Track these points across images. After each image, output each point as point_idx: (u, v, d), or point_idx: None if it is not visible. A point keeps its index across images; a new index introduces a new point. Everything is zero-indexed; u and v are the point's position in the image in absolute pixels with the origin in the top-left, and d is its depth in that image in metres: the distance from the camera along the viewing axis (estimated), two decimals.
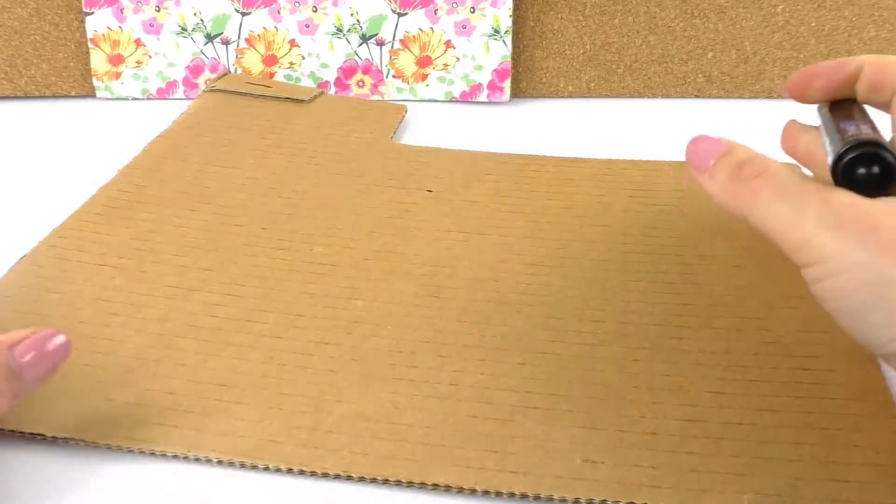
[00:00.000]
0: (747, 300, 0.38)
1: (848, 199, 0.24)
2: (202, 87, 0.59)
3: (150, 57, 0.58)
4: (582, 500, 0.29)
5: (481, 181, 0.47)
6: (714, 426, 0.32)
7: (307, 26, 0.58)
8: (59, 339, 0.30)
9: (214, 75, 0.59)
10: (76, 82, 0.60)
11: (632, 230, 0.43)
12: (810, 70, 0.30)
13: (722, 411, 0.32)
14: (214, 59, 0.59)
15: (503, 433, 0.32)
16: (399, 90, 0.59)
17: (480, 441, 0.31)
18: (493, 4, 0.57)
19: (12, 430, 0.32)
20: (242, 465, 0.31)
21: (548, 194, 0.46)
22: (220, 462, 0.31)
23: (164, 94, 0.59)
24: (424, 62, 0.59)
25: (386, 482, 0.30)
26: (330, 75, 0.59)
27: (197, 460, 0.32)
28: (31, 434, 0.32)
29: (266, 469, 0.31)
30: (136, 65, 0.59)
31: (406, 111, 0.56)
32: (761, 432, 0.31)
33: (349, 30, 0.58)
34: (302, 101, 0.56)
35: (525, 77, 0.60)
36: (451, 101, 0.59)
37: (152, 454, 0.32)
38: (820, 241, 0.23)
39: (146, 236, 0.43)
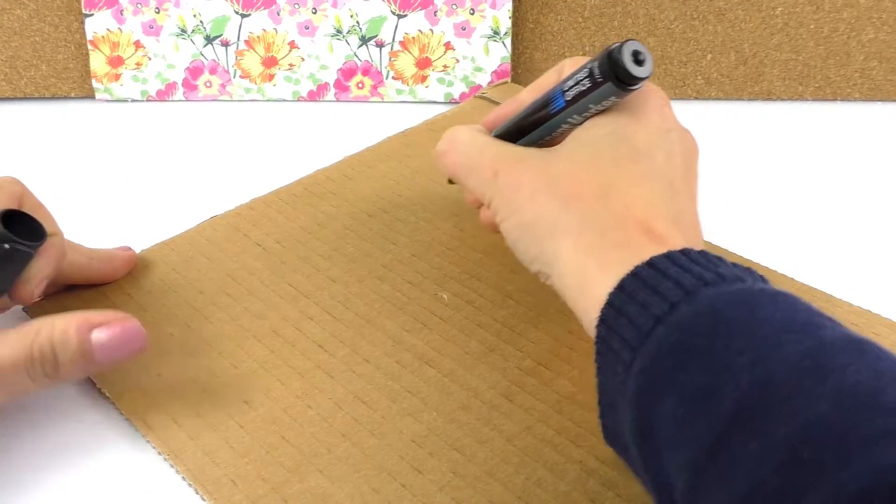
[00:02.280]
0: None
1: (508, 165, 0.33)
2: (201, 89, 0.59)
3: (150, 59, 0.58)
4: None
5: None
6: None
7: (307, 28, 0.58)
8: (139, 331, 0.33)
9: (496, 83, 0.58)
10: (76, 84, 0.60)
11: None
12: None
13: None
14: (214, 60, 0.59)
15: None
16: (399, 92, 0.59)
17: None
18: (493, 6, 0.57)
19: None
20: (196, 492, 0.31)
21: None
22: (183, 477, 0.31)
23: (163, 95, 0.59)
24: (424, 64, 0.59)
25: None
26: (329, 77, 0.59)
27: (170, 464, 0.32)
28: None
29: None
30: (136, 66, 0.59)
31: None
32: None
33: (349, 31, 0.58)
34: None
35: (525, 78, 0.60)
36: (450, 102, 0.59)
37: (146, 440, 0.33)
38: (495, 202, 0.33)
39: (314, 229, 0.43)
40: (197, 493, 0.30)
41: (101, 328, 0.32)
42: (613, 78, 0.31)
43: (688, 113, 0.61)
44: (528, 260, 0.32)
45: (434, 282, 0.40)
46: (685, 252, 0.27)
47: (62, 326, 0.32)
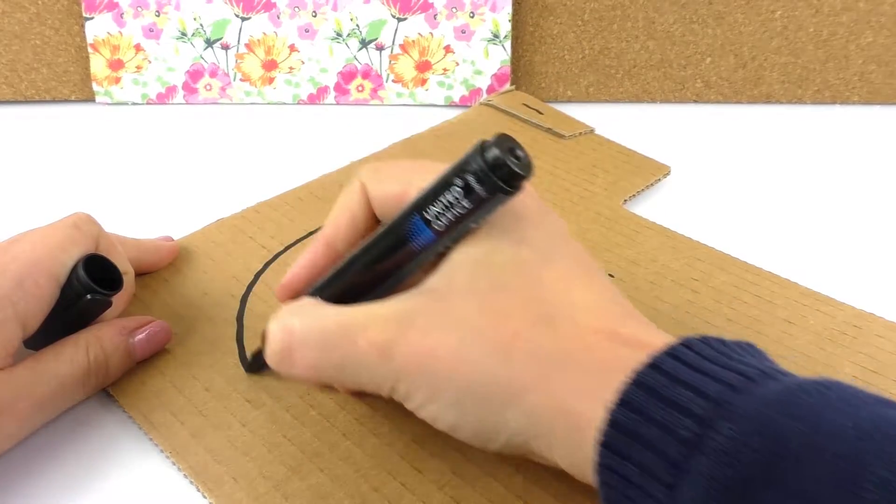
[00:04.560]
0: None
1: (397, 336, 0.25)
2: (202, 92, 0.59)
3: (150, 62, 0.59)
4: None
5: (691, 269, 0.41)
6: None
7: (307, 31, 0.58)
8: (166, 327, 0.36)
9: (501, 90, 0.58)
10: (76, 87, 0.60)
11: None
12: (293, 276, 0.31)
13: None
14: (214, 64, 0.59)
15: None
16: (399, 95, 0.59)
17: None
18: (493, 9, 0.57)
19: None
20: (197, 489, 0.31)
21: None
22: (185, 475, 0.31)
23: (163, 99, 0.59)
24: (424, 67, 0.59)
25: None
26: (329, 80, 0.59)
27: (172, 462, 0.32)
28: None
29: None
30: (136, 70, 0.59)
31: (668, 172, 0.50)
32: None
33: (349, 34, 0.58)
34: (562, 136, 0.53)
35: (524, 82, 0.60)
36: (450, 105, 0.59)
37: (150, 439, 0.33)
38: (401, 388, 0.26)
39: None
40: (198, 490, 0.30)
41: (138, 331, 0.35)
42: (502, 188, 0.25)
43: (687, 116, 0.61)
44: (485, 438, 0.25)
45: None
46: (687, 344, 0.22)
47: (109, 335, 0.34)
